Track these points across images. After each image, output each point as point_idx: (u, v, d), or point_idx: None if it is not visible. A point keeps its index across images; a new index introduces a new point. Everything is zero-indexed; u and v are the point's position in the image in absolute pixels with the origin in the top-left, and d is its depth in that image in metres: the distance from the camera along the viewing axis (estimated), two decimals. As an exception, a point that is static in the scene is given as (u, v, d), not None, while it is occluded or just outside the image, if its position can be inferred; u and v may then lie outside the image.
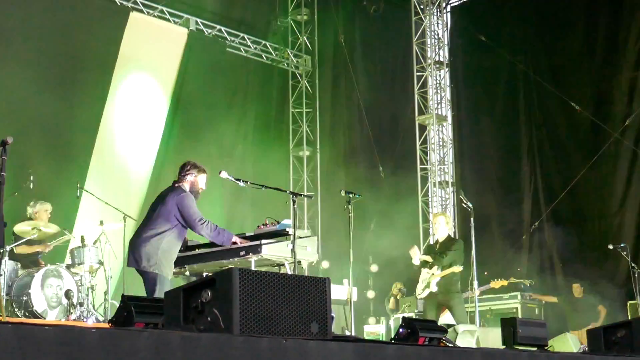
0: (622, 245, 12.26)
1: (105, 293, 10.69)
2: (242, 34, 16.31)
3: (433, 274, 10.44)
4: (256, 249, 8.39)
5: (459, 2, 17.25)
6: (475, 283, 11.07)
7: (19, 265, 10.06)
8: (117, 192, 13.20)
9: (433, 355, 5.06)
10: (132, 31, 14.02)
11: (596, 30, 14.88)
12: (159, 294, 7.79)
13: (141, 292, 8.22)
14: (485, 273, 13.33)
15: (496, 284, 12.56)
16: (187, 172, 8.44)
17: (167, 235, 8.16)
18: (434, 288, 10.42)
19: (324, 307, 4.58)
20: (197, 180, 8.47)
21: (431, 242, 11.47)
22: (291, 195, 9.03)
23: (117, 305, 5.30)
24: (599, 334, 7.25)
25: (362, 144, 17.22)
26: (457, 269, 10.38)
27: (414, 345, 5.78)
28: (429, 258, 10.71)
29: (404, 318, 6.67)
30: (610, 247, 12.42)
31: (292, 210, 8.73)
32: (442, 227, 10.74)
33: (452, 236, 11.44)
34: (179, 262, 8.67)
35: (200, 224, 8.16)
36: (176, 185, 8.41)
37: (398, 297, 14.68)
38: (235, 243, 8.45)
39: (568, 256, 14.33)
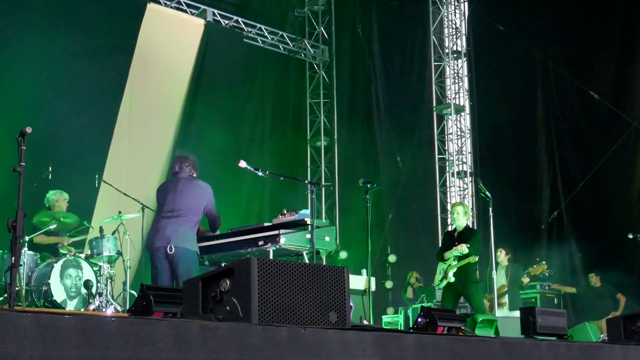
0: (642, 234, 12.20)
1: (124, 283, 10.74)
2: (259, 25, 16.29)
3: (450, 265, 10.42)
4: (274, 239, 8.41)
5: (477, -9, 17.17)
6: (494, 272, 11.05)
7: (38, 256, 10.13)
8: (135, 182, 13.24)
9: (452, 345, 5.05)
10: (150, 22, 14.04)
11: (614, 18, 14.77)
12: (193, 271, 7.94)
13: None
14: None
15: (536, 269, 12.72)
16: (194, 169, 8.69)
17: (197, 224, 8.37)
18: (451, 279, 10.40)
19: (343, 296, 4.58)
20: None
21: (449, 230, 11.44)
22: (309, 185, 9.06)
23: (136, 295, 5.32)
24: (619, 323, 7.23)
25: (379, 134, 17.19)
26: (473, 259, 10.36)
27: (432, 334, 5.77)
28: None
29: (422, 307, 6.68)
30: (630, 236, 12.35)
31: (310, 200, 8.76)
32: (461, 217, 10.70)
33: (470, 226, 11.41)
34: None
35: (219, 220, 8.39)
36: (195, 177, 8.52)
37: (415, 287, 14.68)
38: None
39: (587, 246, 14.27)
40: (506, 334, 9.01)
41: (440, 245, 11.12)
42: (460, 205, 11.01)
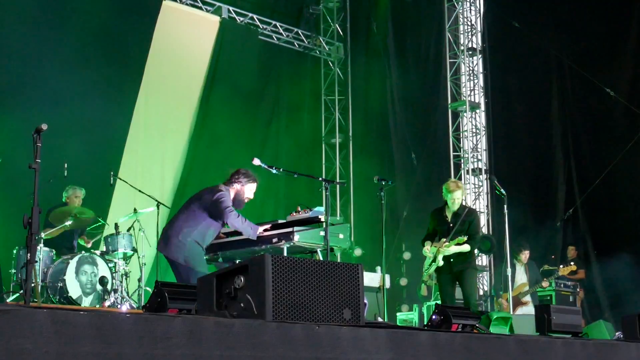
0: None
1: (139, 280, 10.77)
2: (274, 22, 16.30)
3: (439, 249, 9.69)
4: (288, 236, 8.38)
5: (492, -12, 17.11)
6: (509, 270, 11.00)
7: (54, 252, 10.17)
8: (151, 180, 13.29)
9: (466, 342, 5.04)
10: (165, 20, 14.07)
11: (630, 14, 14.70)
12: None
13: (174, 279, 8.27)
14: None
15: (565, 270, 12.65)
16: (235, 180, 8.46)
17: (200, 230, 8.24)
18: (440, 262, 9.58)
19: (357, 294, 4.58)
20: (244, 189, 8.49)
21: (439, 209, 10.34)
22: (324, 183, 9.03)
23: (151, 291, 5.33)
24: (634, 321, 7.21)
25: (394, 131, 17.16)
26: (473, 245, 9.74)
27: (447, 332, 5.77)
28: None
29: (437, 305, 6.67)
30: (645, 233, 12.33)
31: (325, 198, 8.75)
32: (461, 201, 9.85)
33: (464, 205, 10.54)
34: (212, 249, 8.70)
35: (229, 213, 8.15)
36: (218, 186, 8.42)
37: (427, 284, 14.64)
38: (262, 234, 8.43)
39: (602, 243, 14.22)
40: (521, 332, 9.00)
41: (428, 226, 10.06)
42: (458, 189, 9.82)
